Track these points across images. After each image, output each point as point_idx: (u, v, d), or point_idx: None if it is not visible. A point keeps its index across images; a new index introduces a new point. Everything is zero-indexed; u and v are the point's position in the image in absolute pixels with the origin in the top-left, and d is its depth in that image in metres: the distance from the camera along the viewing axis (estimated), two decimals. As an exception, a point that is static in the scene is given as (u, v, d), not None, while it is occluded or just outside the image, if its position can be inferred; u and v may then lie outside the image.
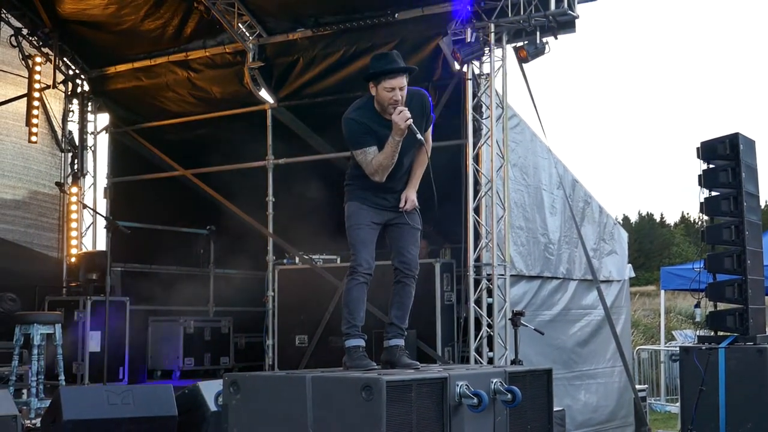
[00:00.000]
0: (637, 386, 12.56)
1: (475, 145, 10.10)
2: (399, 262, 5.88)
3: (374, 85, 5.77)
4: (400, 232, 5.92)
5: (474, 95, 10.12)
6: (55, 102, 13.40)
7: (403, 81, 5.73)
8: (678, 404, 10.81)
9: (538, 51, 10.00)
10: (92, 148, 13.71)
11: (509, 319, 9.76)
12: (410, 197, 5.94)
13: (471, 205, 9.98)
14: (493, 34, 10.01)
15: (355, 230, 5.81)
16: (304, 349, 10.65)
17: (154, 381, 12.13)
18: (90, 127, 13.71)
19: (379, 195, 5.87)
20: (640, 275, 28.97)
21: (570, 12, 9.76)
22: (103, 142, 13.75)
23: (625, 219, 55.21)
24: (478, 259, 9.99)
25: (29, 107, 12.74)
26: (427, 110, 5.95)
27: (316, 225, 11.25)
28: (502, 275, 10.03)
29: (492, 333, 9.85)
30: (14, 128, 12.83)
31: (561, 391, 10.72)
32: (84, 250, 13.01)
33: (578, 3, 9.88)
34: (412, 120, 5.66)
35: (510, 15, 9.88)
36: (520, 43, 10.08)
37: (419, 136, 5.74)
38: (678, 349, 9.72)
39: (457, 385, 5.10)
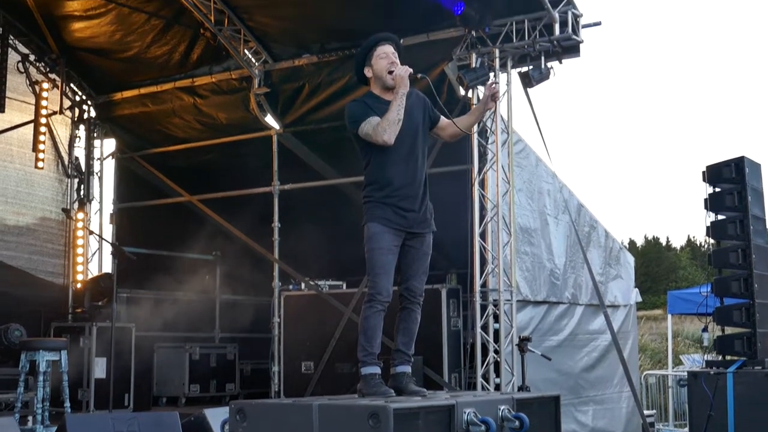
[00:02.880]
0: (645, 411, 12.48)
1: (480, 170, 10.11)
2: (405, 290, 5.81)
3: (369, 68, 5.87)
4: (412, 258, 5.79)
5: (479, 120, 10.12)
6: (61, 128, 13.44)
7: (391, 48, 5.86)
8: (686, 430, 10.74)
9: (543, 76, 10.04)
10: (98, 174, 13.75)
11: (516, 344, 9.72)
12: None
13: (477, 231, 9.97)
14: (497, 59, 10.05)
15: (376, 254, 5.66)
16: (311, 376, 10.61)
17: (160, 408, 12.09)
18: (96, 153, 13.77)
19: (399, 211, 5.71)
20: (646, 299, 28.84)
21: (574, 37, 9.81)
22: (110, 167, 13.83)
23: (631, 243, 55.09)
24: (484, 285, 9.97)
25: (36, 133, 12.78)
26: (428, 103, 6.00)
27: (322, 251, 11.24)
28: (509, 300, 10.01)
29: (499, 359, 9.82)
30: (19, 154, 12.87)
31: (568, 417, 10.67)
32: (90, 276, 13.00)
33: (582, 28, 9.94)
34: (414, 109, 5.78)
35: (515, 40, 9.92)
36: (525, 68, 10.12)
37: (420, 75, 5.79)
38: (686, 373, 9.68)
39: (465, 413, 5.05)
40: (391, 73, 5.76)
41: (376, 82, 5.88)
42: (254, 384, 12.94)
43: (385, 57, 5.82)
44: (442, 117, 6.05)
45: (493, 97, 5.89)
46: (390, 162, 5.71)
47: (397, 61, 5.83)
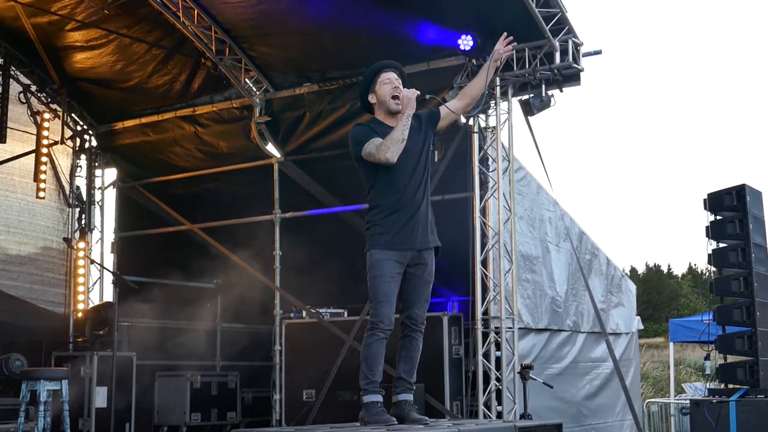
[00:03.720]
0: (648, 440, 12.45)
1: (481, 197, 10.12)
2: (407, 318, 5.81)
3: (373, 94, 5.98)
4: (413, 286, 5.81)
5: (480, 148, 10.16)
6: (62, 157, 13.45)
7: (395, 75, 5.98)
8: (689, 458, 10.70)
9: (544, 104, 10.06)
10: (100, 203, 13.76)
11: (518, 372, 9.70)
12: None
13: (478, 258, 9.96)
14: (498, 88, 10.07)
15: (378, 282, 5.67)
16: (312, 404, 10.57)
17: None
18: (97, 182, 13.77)
19: (402, 234, 5.73)
20: (648, 327, 28.81)
21: (575, 65, 9.84)
22: (111, 197, 13.83)
23: (633, 270, 55.01)
24: (486, 312, 9.94)
25: (37, 163, 12.80)
26: (425, 113, 6.06)
27: (323, 278, 11.23)
28: (510, 328, 9.98)
29: (501, 386, 9.79)
30: (20, 184, 12.88)
31: (571, 446, 10.63)
32: (91, 305, 12.98)
33: (583, 56, 9.97)
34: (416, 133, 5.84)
35: (515, 68, 9.95)
36: (526, 96, 10.15)
37: (429, 96, 5.97)
38: (688, 402, 9.65)
39: (467, 441, 5.05)
40: (394, 98, 5.82)
41: (379, 108, 5.95)
42: (256, 412, 12.88)
43: (389, 83, 5.90)
44: (444, 105, 6.13)
45: (505, 49, 5.98)
46: (393, 186, 5.74)
47: (401, 87, 5.90)
